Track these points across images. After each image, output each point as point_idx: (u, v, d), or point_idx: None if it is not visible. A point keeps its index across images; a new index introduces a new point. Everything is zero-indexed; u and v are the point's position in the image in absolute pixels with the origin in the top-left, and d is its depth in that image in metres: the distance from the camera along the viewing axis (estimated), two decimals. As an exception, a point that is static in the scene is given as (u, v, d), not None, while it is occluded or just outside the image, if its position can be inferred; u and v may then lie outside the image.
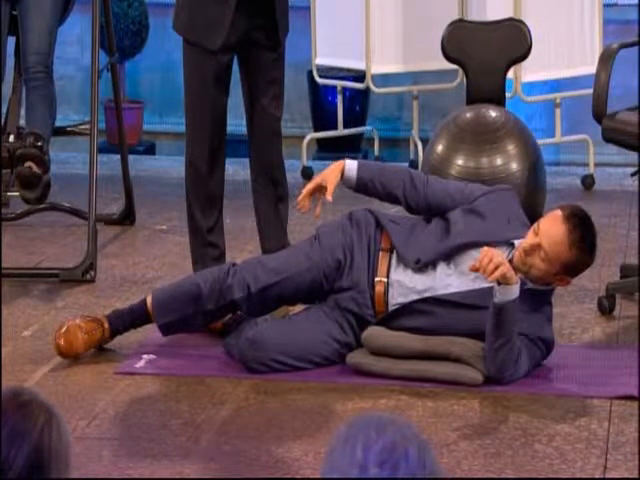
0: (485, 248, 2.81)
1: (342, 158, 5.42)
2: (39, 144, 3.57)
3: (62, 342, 3.03)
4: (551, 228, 2.89)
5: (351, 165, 3.05)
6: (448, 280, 2.95)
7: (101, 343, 3.08)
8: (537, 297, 2.94)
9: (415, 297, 2.95)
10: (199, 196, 3.44)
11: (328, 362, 2.98)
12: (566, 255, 2.88)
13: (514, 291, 2.79)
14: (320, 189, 3.04)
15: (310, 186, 3.04)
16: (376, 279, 2.98)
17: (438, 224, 3.03)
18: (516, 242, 2.97)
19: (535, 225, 2.93)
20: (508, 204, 3.05)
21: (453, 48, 4.04)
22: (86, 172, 3.87)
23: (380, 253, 3.00)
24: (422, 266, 2.95)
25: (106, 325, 3.06)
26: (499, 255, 2.79)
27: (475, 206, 3.02)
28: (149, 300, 3.08)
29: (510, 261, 2.94)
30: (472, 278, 2.94)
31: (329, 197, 3.00)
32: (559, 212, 2.92)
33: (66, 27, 4.12)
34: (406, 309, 2.95)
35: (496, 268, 2.75)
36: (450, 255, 2.96)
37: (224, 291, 3.00)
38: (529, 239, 2.91)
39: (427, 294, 2.95)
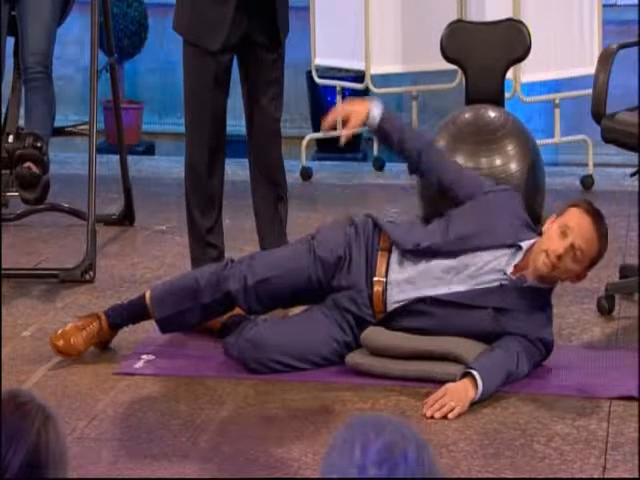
0: (443, 388, 2.74)
1: (342, 159, 5.46)
2: (38, 145, 3.57)
3: (60, 343, 3.03)
4: (581, 226, 2.85)
5: (375, 113, 2.99)
6: (448, 277, 2.94)
7: (101, 337, 3.07)
8: (537, 295, 2.93)
9: (414, 295, 2.94)
10: (198, 196, 3.44)
11: (328, 362, 2.97)
12: (596, 249, 2.88)
13: (475, 395, 2.75)
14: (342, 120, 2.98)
15: (336, 115, 3.00)
16: (374, 279, 2.97)
17: (440, 224, 3.02)
18: (523, 244, 2.96)
19: (554, 227, 2.87)
20: (513, 205, 3.03)
21: (452, 48, 4.04)
22: (85, 172, 3.86)
23: (378, 253, 3.00)
24: (421, 251, 2.91)
25: (103, 317, 3.06)
26: (454, 399, 2.72)
27: (480, 205, 3.01)
28: (148, 295, 3.08)
29: (516, 265, 2.93)
30: (471, 275, 2.94)
31: (343, 139, 2.96)
32: (577, 209, 2.89)
33: (65, 27, 4.12)
34: (405, 310, 2.95)
35: (450, 410, 2.69)
36: (452, 254, 2.95)
37: (220, 282, 2.99)
38: (558, 242, 2.84)
39: (427, 292, 2.94)
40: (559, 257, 2.84)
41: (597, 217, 2.89)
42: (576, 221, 2.87)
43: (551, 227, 2.91)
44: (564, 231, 2.86)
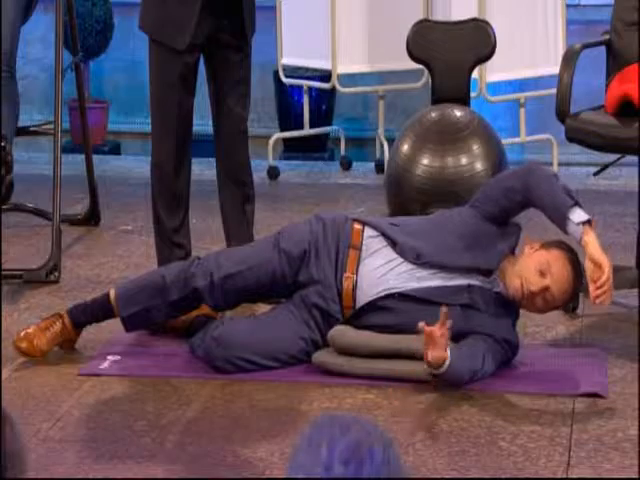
0: (428, 330, 2.70)
1: (309, 158, 5.47)
2: (2, 144, 3.55)
3: (24, 344, 3.01)
4: (562, 275, 2.87)
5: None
6: (418, 274, 2.94)
7: (65, 337, 3.05)
8: (506, 303, 2.95)
9: (384, 292, 2.93)
10: (165, 196, 3.44)
11: (295, 360, 2.97)
12: (566, 299, 2.93)
13: (445, 365, 2.75)
14: None
15: None
16: (345, 274, 2.97)
17: (425, 226, 2.99)
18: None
19: (534, 258, 2.86)
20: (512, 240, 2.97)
21: (418, 48, 4.06)
22: (50, 172, 3.84)
23: (349, 250, 3.00)
24: (422, 263, 2.92)
25: (65, 317, 3.04)
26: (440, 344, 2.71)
27: (475, 224, 2.96)
28: (112, 293, 3.06)
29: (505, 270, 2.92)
30: (442, 276, 2.94)
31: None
32: (562, 255, 2.88)
33: (29, 26, 4.09)
34: (373, 306, 2.95)
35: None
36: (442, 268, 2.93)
37: (188, 279, 2.98)
38: (535, 279, 2.85)
39: (396, 289, 2.94)
40: (533, 293, 2.87)
41: (578, 272, 2.90)
42: (559, 269, 2.87)
43: (532, 255, 2.90)
44: (544, 271, 2.87)
